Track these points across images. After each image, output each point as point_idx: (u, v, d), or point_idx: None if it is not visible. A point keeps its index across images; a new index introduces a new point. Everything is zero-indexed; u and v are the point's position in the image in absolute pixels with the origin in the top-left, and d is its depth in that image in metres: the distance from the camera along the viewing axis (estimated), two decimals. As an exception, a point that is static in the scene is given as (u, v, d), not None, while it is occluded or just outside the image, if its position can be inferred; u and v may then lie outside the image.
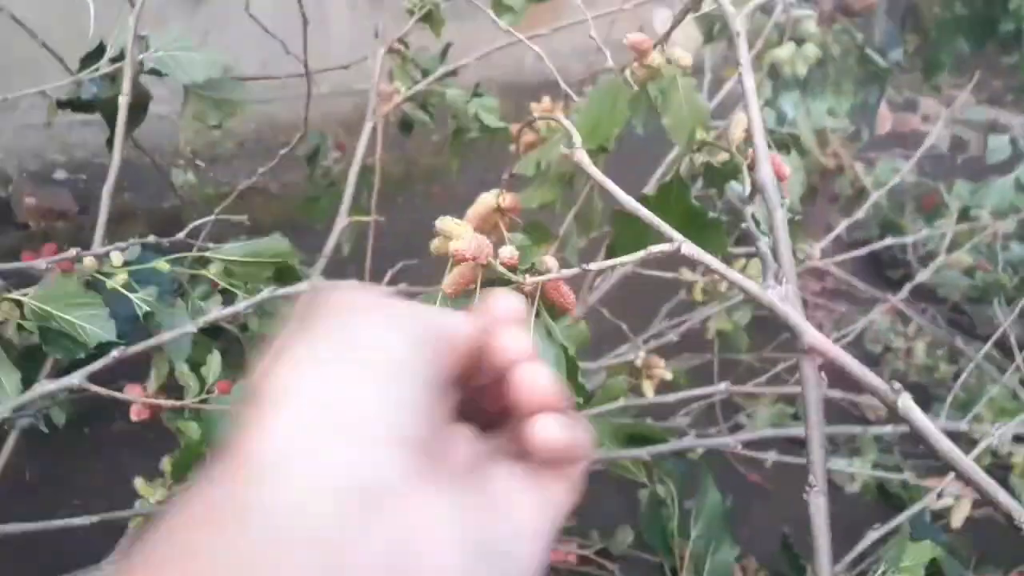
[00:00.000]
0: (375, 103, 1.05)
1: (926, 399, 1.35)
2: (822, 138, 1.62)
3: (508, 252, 0.46)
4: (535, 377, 0.27)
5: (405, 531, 0.20)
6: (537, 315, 0.48)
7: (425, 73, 1.17)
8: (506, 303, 0.29)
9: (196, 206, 1.49)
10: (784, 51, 1.03)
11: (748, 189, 0.60)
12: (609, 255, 0.66)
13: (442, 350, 0.25)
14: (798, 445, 1.20)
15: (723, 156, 0.68)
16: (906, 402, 0.39)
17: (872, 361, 1.68)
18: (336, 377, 0.22)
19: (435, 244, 0.49)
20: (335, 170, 1.49)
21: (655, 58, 0.64)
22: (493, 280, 0.47)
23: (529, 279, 0.49)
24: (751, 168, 0.59)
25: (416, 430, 0.22)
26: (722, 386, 1.03)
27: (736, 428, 1.32)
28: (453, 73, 1.18)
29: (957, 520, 0.87)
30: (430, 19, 1.14)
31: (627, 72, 0.73)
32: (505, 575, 0.23)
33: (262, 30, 1.32)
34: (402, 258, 1.10)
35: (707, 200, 0.81)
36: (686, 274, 1.04)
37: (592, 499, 1.36)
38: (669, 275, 1.05)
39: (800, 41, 1.10)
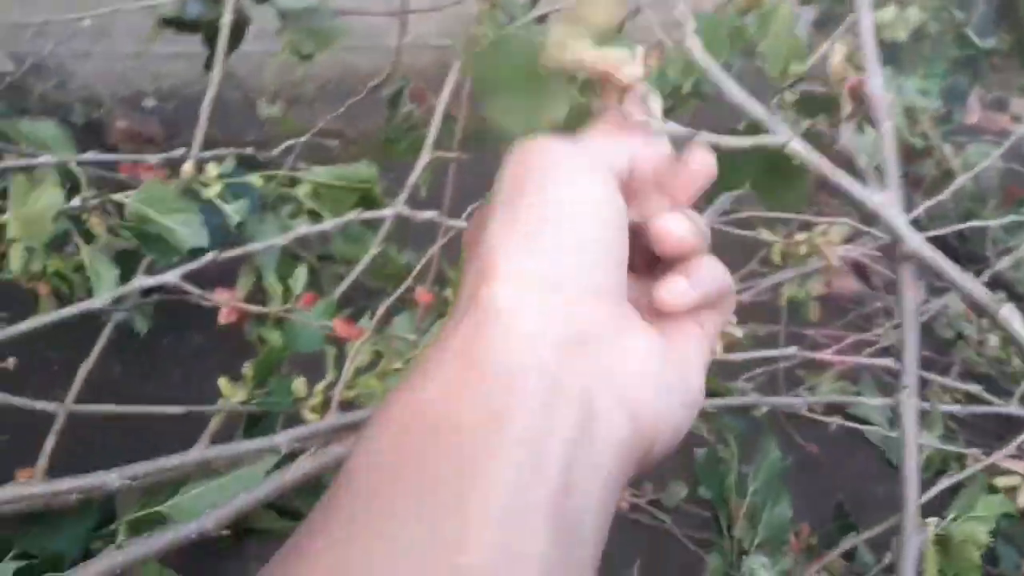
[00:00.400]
0: (464, 45, 1.06)
1: (996, 391, 1.33)
2: (911, 116, 1.58)
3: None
4: (670, 230, 0.30)
5: (611, 363, 0.25)
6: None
7: (512, 19, 1.18)
8: (703, 159, 0.31)
9: (279, 140, 1.52)
10: (887, 14, 1.01)
11: (846, 111, 0.59)
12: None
13: (633, 175, 0.29)
14: (859, 420, 1.19)
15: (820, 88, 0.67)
16: (1008, 311, 0.39)
17: (943, 347, 1.65)
18: (549, 241, 0.26)
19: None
20: (415, 115, 1.51)
21: None
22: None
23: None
24: (852, 92, 0.58)
25: (615, 281, 0.27)
26: (791, 350, 1.02)
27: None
28: (542, 20, 1.18)
29: (1023, 500, 0.85)
30: (524, -34, 1.14)
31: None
32: (684, 402, 0.28)
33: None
34: (478, 200, 1.12)
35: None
36: (765, 235, 1.04)
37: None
38: (748, 234, 1.05)
39: (903, 4, 1.08)
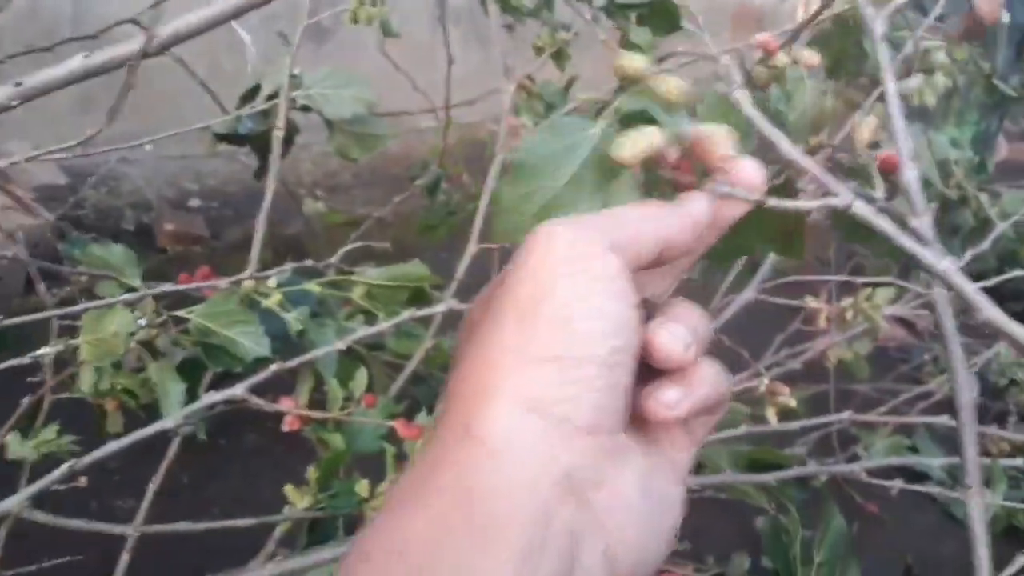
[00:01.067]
0: (504, 136, 1.10)
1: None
2: (944, 169, 1.59)
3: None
4: (666, 347, 0.28)
5: (600, 510, 0.25)
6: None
7: (549, 107, 1.22)
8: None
9: (317, 232, 1.57)
10: (913, 82, 1.03)
11: (881, 192, 0.60)
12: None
13: (662, 255, 0.28)
14: (917, 477, 1.18)
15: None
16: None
17: (996, 394, 1.63)
18: (560, 373, 0.25)
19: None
20: (454, 200, 1.55)
21: (781, 58, 0.65)
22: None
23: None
24: (883, 166, 0.59)
25: (617, 408, 0.26)
26: (844, 415, 1.02)
27: (853, 459, 1.30)
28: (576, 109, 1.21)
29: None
30: (558, 56, 1.19)
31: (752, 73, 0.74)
32: (664, 541, 0.27)
33: (376, 66, 1.39)
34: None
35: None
36: (810, 302, 1.05)
37: (704, 526, 1.35)
38: (794, 303, 1.05)
39: (929, 71, 1.09)
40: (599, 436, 0.25)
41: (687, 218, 0.29)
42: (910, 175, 0.54)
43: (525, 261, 0.27)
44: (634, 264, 0.28)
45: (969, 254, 1.25)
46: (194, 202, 1.91)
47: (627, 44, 1.00)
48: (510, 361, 0.25)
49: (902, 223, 0.57)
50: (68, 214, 1.59)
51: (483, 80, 1.44)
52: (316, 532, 0.88)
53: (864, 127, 0.66)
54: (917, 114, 1.26)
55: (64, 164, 1.68)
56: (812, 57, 0.69)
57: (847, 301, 1.03)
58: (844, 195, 0.45)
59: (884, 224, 0.45)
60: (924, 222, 0.53)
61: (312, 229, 1.54)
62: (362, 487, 0.84)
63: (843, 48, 1.17)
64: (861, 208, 0.45)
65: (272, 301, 0.86)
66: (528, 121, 1.14)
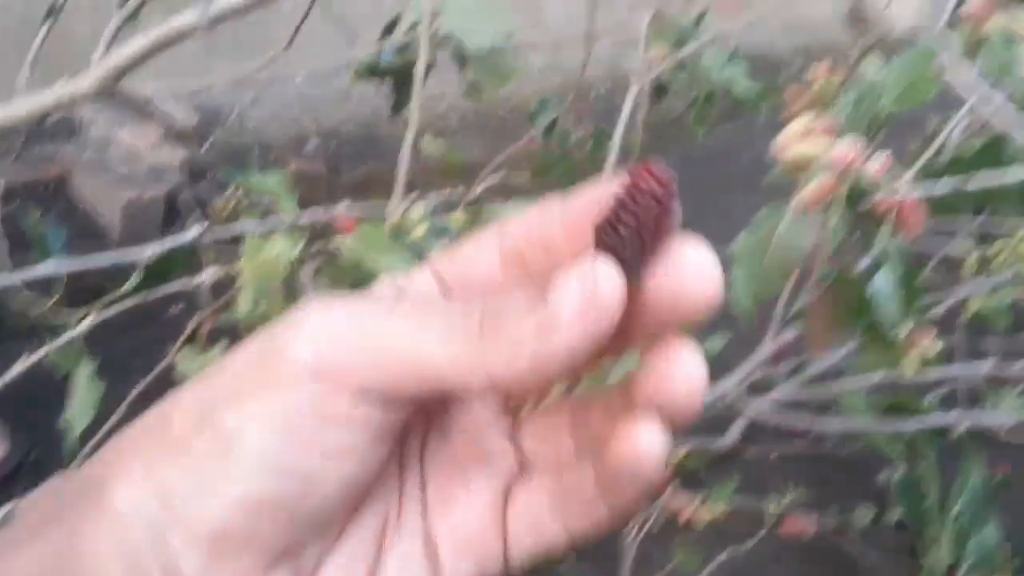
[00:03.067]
0: (641, 68, 1.09)
1: None
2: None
3: (879, 162, 0.46)
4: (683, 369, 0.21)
5: None
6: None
7: (678, 41, 1.19)
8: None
9: (436, 171, 1.58)
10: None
11: None
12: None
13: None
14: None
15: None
16: None
17: None
18: (188, 468, 0.22)
19: (792, 151, 0.49)
20: (572, 138, 1.54)
21: (992, 24, 0.63)
22: (855, 192, 0.47)
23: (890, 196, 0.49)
24: None
25: (243, 539, 0.22)
26: (986, 366, 0.99)
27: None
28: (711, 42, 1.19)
29: None
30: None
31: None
32: None
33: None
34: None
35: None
36: (960, 247, 1.01)
37: (823, 480, 1.32)
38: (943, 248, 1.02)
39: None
40: (221, 547, 0.21)
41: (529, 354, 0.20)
42: None
43: (277, 334, 0.22)
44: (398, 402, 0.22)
45: None
46: (312, 144, 1.96)
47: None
48: (172, 433, 0.22)
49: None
50: (198, 155, 1.65)
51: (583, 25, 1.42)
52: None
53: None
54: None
55: (195, 104, 1.74)
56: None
57: (997, 245, 0.99)
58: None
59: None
60: None
61: (425, 171, 1.55)
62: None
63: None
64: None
65: (418, 233, 0.88)
66: (663, 50, 1.12)
